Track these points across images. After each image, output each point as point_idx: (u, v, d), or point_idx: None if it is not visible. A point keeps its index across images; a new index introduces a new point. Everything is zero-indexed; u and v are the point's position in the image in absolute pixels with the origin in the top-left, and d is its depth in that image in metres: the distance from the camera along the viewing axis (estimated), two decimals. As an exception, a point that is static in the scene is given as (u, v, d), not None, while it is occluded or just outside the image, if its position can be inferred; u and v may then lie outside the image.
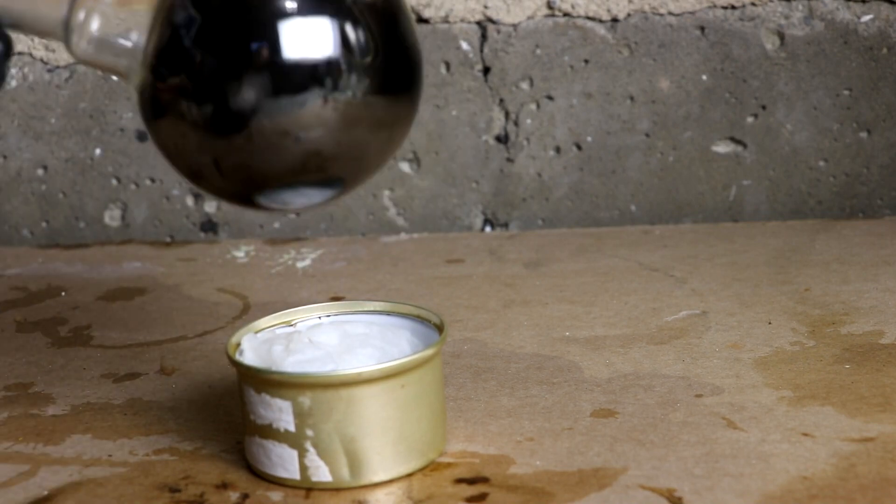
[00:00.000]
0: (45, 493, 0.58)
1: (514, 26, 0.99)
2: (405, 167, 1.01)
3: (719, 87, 0.98)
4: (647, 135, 0.99)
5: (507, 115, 1.00)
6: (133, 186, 1.04)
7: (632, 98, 0.99)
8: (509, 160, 1.01)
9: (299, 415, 0.56)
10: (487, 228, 1.02)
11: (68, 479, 0.60)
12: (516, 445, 0.60)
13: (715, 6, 0.97)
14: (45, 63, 1.03)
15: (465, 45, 0.99)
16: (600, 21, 0.98)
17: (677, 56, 0.98)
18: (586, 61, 0.99)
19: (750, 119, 0.98)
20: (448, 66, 1.00)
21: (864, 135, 0.98)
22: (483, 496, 0.55)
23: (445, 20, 0.99)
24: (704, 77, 0.98)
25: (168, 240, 1.04)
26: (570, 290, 0.82)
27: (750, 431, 0.60)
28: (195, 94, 0.53)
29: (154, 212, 1.04)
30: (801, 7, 0.96)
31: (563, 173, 1.01)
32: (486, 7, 0.99)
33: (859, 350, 0.69)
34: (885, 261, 0.84)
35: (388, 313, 0.63)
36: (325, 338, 0.59)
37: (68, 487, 0.59)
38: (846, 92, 0.97)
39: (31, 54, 1.03)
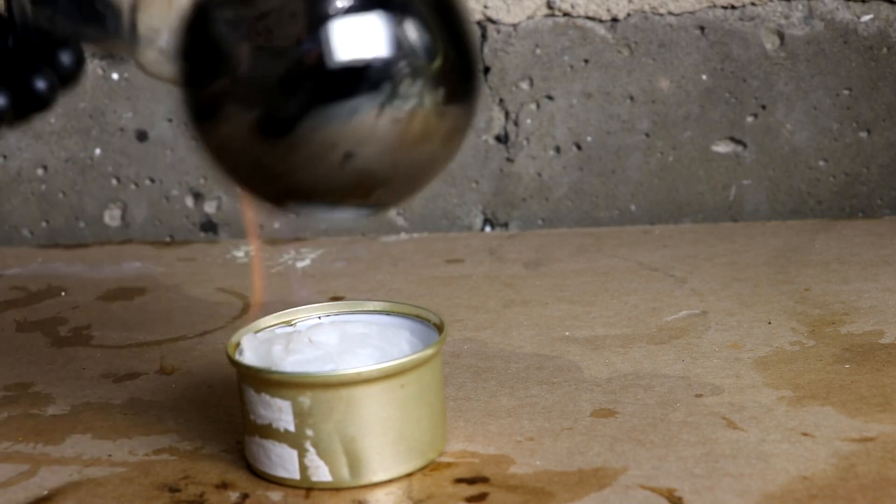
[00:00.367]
0: (45, 492, 0.58)
1: (514, 26, 0.99)
2: (405, 167, 1.01)
3: (719, 86, 0.98)
4: (647, 135, 0.99)
5: (506, 114, 1.00)
6: (133, 186, 1.04)
7: (632, 98, 0.99)
8: (509, 160, 1.01)
9: (299, 415, 0.56)
10: (487, 228, 1.02)
11: (68, 479, 0.60)
12: (516, 445, 0.60)
13: (715, 6, 0.97)
14: (45, 63, 1.03)
15: (464, 45, 0.99)
16: (600, 21, 0.98)
17: (677, 56, 0.98)
18: (586, 61, 0.99)
19: (750, 119, 0.98)
20: (448, 65, 1.00)
21: (863, 134, 0.98)
22: (483, 496, 0.55)
23: (445, 20, 0.99)
24: (704, 77, 0.98)
25: (168, 240, 1.04)
26: (569, 290, 0.82)
27: (750, 431, 0.60)
28: (238, 97, 0.49)
29: (154, 212, 1.04)
30: (800, 7, 0.96)
31: (562, 173, 1.01)
32: (485, 7, 0.99)
33: (859, 350, 0.69)
34: (884, 261, 0.84)
35: (387, 313, 0.63)
36: (324, 338, 0.59)
37: (68, 487, 0.59)
38: (846, 92, 0.97)
39: (30, 54, 1.03)
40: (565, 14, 0.98)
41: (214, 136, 0.51)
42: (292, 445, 0.56)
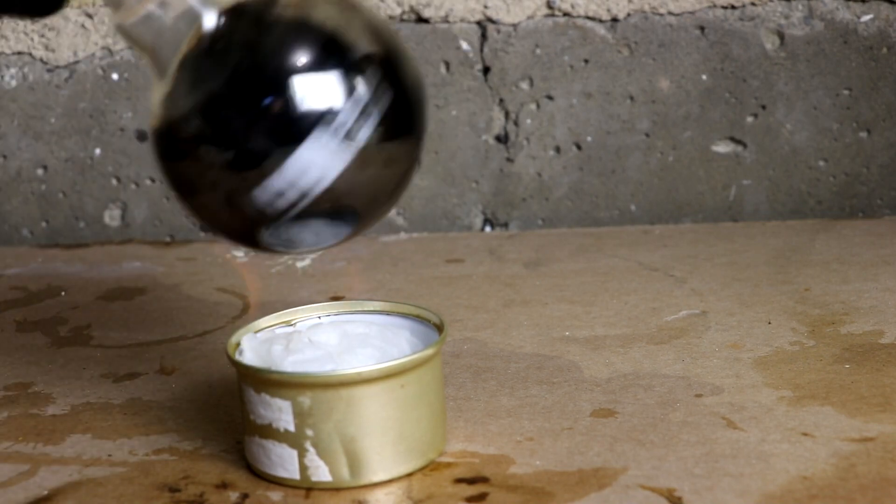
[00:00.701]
0: (45, 492, 0.58)
1: (514, 26, 0.99)
2: (405, 167, 1.01)
3: (719, 86, 0.98)
4: (647, 135, 0.99)
5: (506, 114, 1.00)
6: (133, 186, 1.04)
7: (632, 98, 0.99)
8: (509, 160, 1.01)
9: (299, 415, 0.56)
10: (487, 228, 1.02)
11: (68, 479, 0.60)
12: (516, 445, 0.60)
13: (715, 6, 0.97)
14: (45, 63, 1.03)
15: (464, 45, 0.99)
16: (600, 21, 0.98)
17: (677, 56, 0.98)
18: (586, 61, 0.99)
19: (750, 119, 0.98)
20: (448, 65, 1.00)
21: (863, 134, 0.98)
22: (483, 496, 0.55)
23: (445, 20, 0.99)
24: (704, 77, 0.98)
25: (168, 239, 1.04)
26: (569, 290, 0.82)
27: (750, 431, 0.60)
28: (213, 140, 0.55)
29: (154, 211, 1.04)
30: (800, 7, 0.96)
31: (562, 173, 1.01)
32: (485, 7, 0.99)
33: (859, 350, 0.69)
34: (884, 261, 0.84)
35: (387, 313, 0.63)
36: (324, 338, 0.59)
37: (68, 487, 0.59)
38: (846, 92, 0.97)
39: (30, 54, 1.03)
40: (565, 14, 0.98)
41: (183, 174, 0.56)
42: (292, 445, 0.56)
